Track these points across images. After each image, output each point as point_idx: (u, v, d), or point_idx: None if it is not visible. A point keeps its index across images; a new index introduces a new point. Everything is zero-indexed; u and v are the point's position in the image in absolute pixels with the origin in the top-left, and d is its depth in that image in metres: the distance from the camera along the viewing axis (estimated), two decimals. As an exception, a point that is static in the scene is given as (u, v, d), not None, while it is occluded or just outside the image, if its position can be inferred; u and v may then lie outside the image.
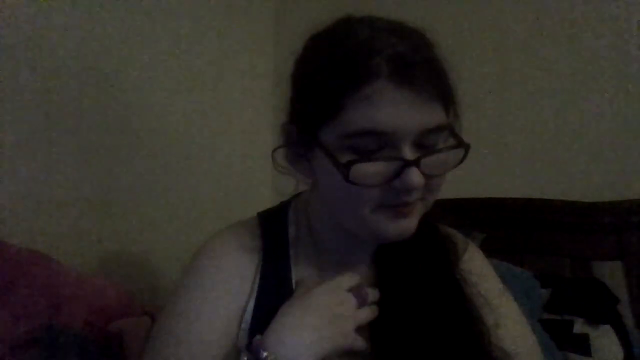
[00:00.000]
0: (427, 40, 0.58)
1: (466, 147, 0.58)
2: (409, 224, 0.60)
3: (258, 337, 0.59)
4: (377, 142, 0.55)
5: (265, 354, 0.56)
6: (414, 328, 0.62)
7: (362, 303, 0.64)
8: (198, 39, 1.50)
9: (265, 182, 1.79)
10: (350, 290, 0.64)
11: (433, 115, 0.56)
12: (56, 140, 1.09)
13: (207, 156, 1.54)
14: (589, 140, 1.33)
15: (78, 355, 0.77)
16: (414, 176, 0.54)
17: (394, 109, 0.53)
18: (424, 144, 0.56)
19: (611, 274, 1.21)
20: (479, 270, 0.72)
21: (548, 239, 1.29)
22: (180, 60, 1.43)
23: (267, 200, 1.76)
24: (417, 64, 0.54)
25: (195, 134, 1.50)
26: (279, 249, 0.70)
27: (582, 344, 1.07)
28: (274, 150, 0.67)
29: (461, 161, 0.58)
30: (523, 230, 1.32)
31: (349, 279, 0.65)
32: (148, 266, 1.32)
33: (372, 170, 0.55)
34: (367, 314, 0.64)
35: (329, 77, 0.56)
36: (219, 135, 1.59)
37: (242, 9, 1.69)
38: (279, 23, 1.85)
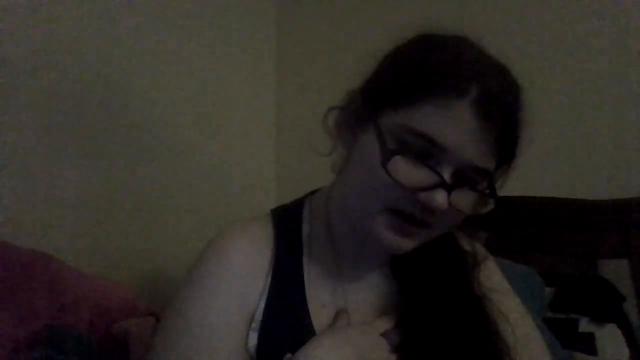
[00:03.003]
0: (520, 94, 0.60)
1: (497, 202, 0.59)
2: (405, 244, 0.60)
3: (289, 355, 0.58)
4: (427, 150, 0.56)
5: None
6: (437, 345, 0.61)
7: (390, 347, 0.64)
8: (200, 40, 1.50)
9: (269, 183, 1.79)
10: (383, 333, 0.64)
11: (486, 158, 0.57)
12: (60, 142, 1.09)
13: (211, 156, 1.55)
14: (594, 138, 1.33)
15: (82, 356, 0.77)
16: (441, 198, 0.55)
17: (461, 131, 0.55)
18: (462, 177, 0.57)
19: (617, 272, 1.21)
20: (499, 287, 0.71)
21: (553, 237, 1.29)
22: (182, 62, 1.43)
23: (271, 200, 1.77)
24: (501, 107, 0.56)
25: (199, 134, 1.50)
26: (292, 247, 0.69)
27: (588, 343, 1.07)
28: (330, 109, 0.66)
29: (483, 212, 0.60)
30: (528, 228, 1.31)
31: (384, 323, 0.65)
32: (153, 266, 1.32)
33: (410, 170, 0.56)
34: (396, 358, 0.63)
35: (421, 71, 0.57)
36: (223, 136, 1.59)
37: (244, 10, 1.69)
38: (281, 23, 1.85)
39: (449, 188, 0.55)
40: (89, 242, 1.15)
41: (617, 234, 1.22)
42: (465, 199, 0.58)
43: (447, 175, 0.56)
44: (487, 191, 0.60)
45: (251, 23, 1.73)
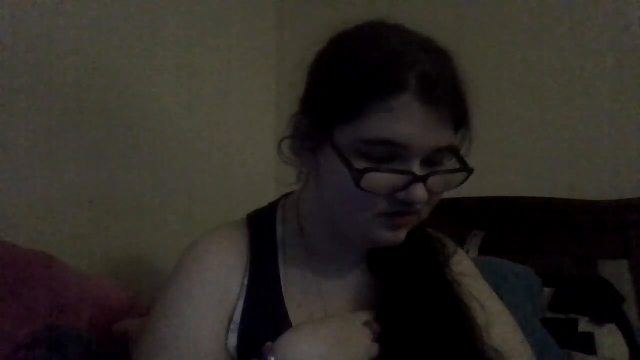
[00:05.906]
0: (453, 61, 0.60)
1: (469, 172, 0.60)
2: (402, 234, 0.62)
3: (269, 344, 0.59)
4: (390, 153, 0.57)
5: (273, 359, 0.56)
6: (411, 330, 0.62)
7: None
8: (199, 36, 1.50)
9: (269, 182, 1.79)
10: (365, 323, 0.64)
11: (447, 136, 0.58)
12: (59, 141, 1.09)
13: (211, 155, 1.55)
14: (594, 138, 1.33)
15: (82, 356, 0.77)
16: (420, 192, 0.56)
17: (415, 125, 0.55)
18: (432, 161, 0.59)
19: (617, 272, 1.21)
20: (469, 272, 0.73)
21: (553, 237, 1.29)
22: (182, 58, 1.43)
23: (271, 200, 1.76)
24: (443, 84, 0.56)
25: (198, 133, 1.50)
26: (267, 249, 0.70)
27: (587, 343, 1.07)
28: (282, 141, 0.66)
29: (462, 183, 0.61)
30: (527, 229, 1.31)
31: (364, 315, 0.65)
32: (153, 266, 1.32)
33: (383, 179, 0.56)
34: (378, 349, 0.63)
35: (356, 80, 0.57)
36: (222, 135, 1.59)
37: (243, 6, 1.69)
38: (281, 18, 1.85)
39: (423, 179, 0.56)
40: (89, 242, 1.15)
41: (617, 234, 1.22)
42: (441, 180, 0.59)
43: (417, 168, 0.57)
44: (458, 166, 0.61)
45: (251, 19, 1.73)
